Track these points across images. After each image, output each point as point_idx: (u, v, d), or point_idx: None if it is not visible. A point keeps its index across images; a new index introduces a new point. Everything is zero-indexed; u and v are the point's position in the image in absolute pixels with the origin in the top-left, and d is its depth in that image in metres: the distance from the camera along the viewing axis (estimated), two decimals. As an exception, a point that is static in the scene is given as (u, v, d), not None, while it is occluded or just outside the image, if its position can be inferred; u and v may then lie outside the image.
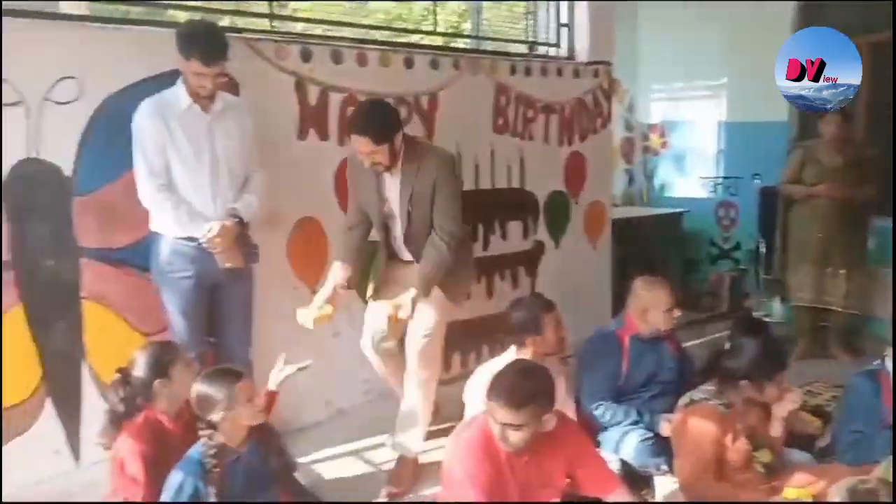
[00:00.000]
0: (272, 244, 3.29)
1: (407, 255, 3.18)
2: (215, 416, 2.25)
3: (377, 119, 2.92)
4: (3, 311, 2.81)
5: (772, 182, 5.09)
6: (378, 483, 3.10)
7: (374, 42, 3.93)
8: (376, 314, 3.16)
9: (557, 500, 2.38)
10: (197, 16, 3.40)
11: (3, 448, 2.84)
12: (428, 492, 3.00)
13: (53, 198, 2.90)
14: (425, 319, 3.05)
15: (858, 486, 1.84)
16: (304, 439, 3.42)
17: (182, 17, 3.37)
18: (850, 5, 4.89)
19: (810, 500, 2.42)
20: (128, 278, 3.07)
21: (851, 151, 4.47)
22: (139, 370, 2.49)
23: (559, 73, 4.66)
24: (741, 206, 5.98)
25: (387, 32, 4.31)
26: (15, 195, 2.80)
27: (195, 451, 2.29)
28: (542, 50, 4.88)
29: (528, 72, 4.47)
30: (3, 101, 2.73)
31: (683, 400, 2.78)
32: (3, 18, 2.70)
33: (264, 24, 3.65)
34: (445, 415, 3.35)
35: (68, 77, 2.86)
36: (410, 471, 3.14)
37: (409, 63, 3.90)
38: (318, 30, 3.87)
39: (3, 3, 2.71)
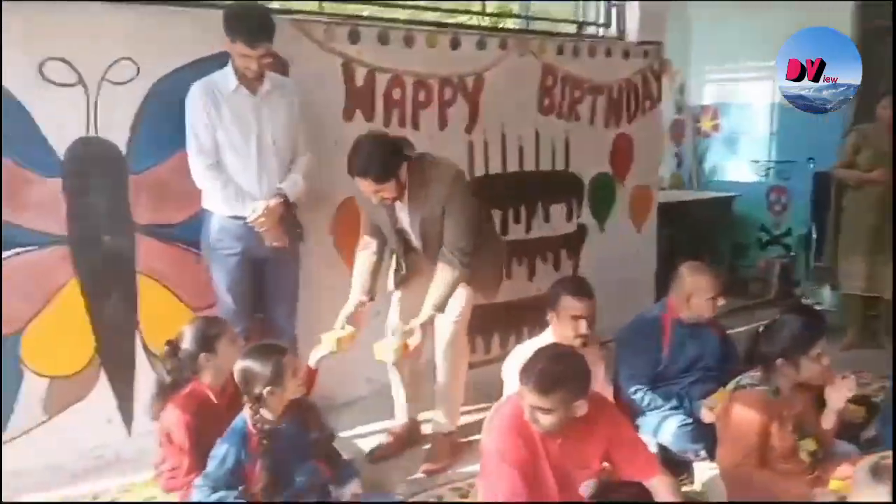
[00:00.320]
0: (318, 223, 3.34)
1: None
2: (260, 390, 2.32)
3: (377, 158, 2.81)
4: (60, 284, 2.92)
5: (826, 167, 4.97)
6: (417, 459, 3.16)
7: (422, 23, 3.93)
8: (395, 314, 3.23)
9: (593, 482, 2.39)
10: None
11: (60, 416, 2.98)
12: (466, 469, 3.05)
13: (110, 175, 2.99)
14: (454, 306, 3.07)
15: (880, 461, 1.82)
16: (347, 414, 3.51)
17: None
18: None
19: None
20: (180, 254, 3.17)
21: (908, 136, 4.34)
22: (186, 344, 2.58)
23: (608, 53, 4.59)
24: (794, 190, 5.85)
25: (435, 13, 4.30)
26: (72, 173, 2.90)
27: (239, 422, 2.38)
28: (591, 30, 4.82)
29: (575, 52, 4.42)
30: (62, 81, 2.83)
31: (730, 385, 2.74)
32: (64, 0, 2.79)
33: (313, 5, 3.69)
34: (485, 394, 3.38)
35: (125, 58, 2.94)
36: (448, 448, 3.19)
37: (455, 44, 3.89)
38: (365, 11, 3.89)
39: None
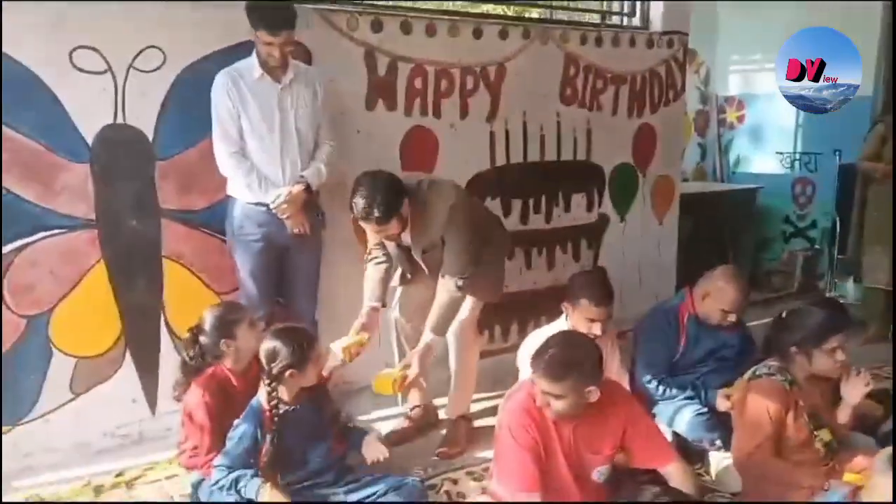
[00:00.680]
0: (340, 211, 3.39)
1: None
2: (280, 370, 2.38)
3: (380, 203, 2.80)
4: (88, 267, 3.00)
5: (852, 159, 4.91)
6: (433, 443, 3.21)
7: (445, 12, 3.94)
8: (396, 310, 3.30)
9: (606, 467, 2.42)
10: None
11: (86, 395, 3.06)
12: (482, 454, 3.09)
13: (137, 161, 3.06)
14: (461, 308, 3.09)
15: None
16: (366, 398, 3.55)
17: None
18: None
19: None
20: (204, 239, 3.23)
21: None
22: (206, 330, 2.65)
23: (632, 42, 4.57)
24: (819, 183, 5.79)
25: (458, 3, 4.31)
26: (100, 158, 2.97)
27: (255, 402, 2.44)
28: (615, 20, 4.80)
29: (598, 42, 4.40)
30: (91, 69, 2.90)
31: (747, 375, 2.74)
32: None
33: (337, -6, 3.72)
34: (502, 382, 3.41)
35: (153, 46, 3.00)
36: (463, 433, 3.24)
37: (477, 34, 3.91)
38: (388, 1, 3.91)
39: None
